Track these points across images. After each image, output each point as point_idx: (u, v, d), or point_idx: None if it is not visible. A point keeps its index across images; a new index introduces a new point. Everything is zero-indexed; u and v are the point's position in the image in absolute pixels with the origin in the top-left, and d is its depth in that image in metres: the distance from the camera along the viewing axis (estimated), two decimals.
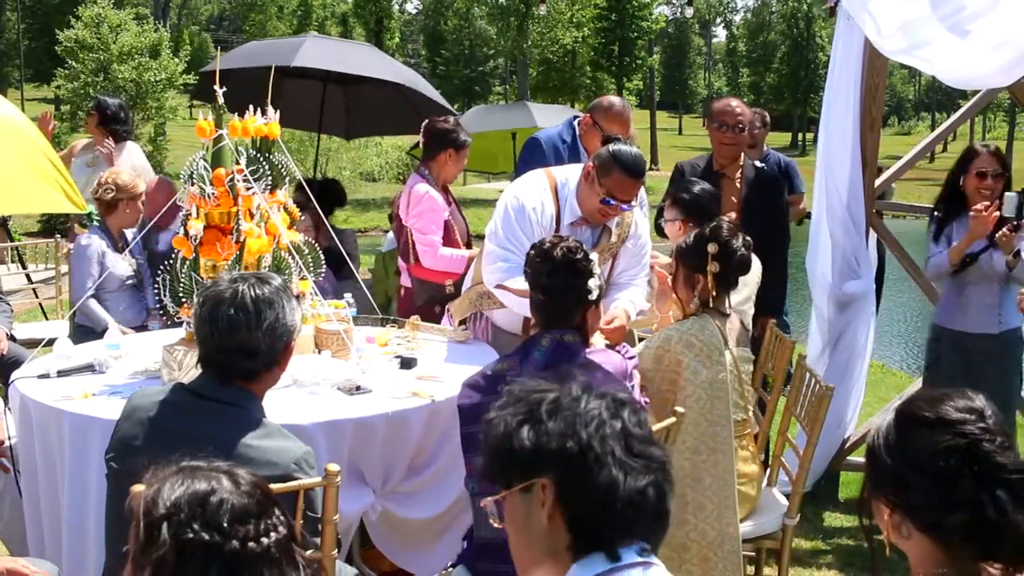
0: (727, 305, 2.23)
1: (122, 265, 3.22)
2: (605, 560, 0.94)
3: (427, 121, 3.15)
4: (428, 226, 2.97)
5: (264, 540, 0.90)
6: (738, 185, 3.07)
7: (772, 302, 3.11)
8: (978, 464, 0.96)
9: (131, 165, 4.08)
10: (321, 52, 4.42)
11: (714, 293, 2.17)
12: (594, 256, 1.91)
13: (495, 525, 1.03)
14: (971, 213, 2.72)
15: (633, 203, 2.38)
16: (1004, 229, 2.71)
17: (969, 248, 2.76)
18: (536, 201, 2.38)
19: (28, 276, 5.28)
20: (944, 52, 2.54)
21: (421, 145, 3.21)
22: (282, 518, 0.95)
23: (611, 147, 2.32)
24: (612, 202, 2.30)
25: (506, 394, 1.04)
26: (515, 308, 2.36)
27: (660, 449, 0.99)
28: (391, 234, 4.27)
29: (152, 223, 3.09)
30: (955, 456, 0.96)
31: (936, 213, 2.93)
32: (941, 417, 1.00)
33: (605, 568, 0.93)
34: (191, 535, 0.89)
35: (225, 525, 0.90)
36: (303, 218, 2.65)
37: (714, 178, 3.00)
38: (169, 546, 0.89)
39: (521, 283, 2.09)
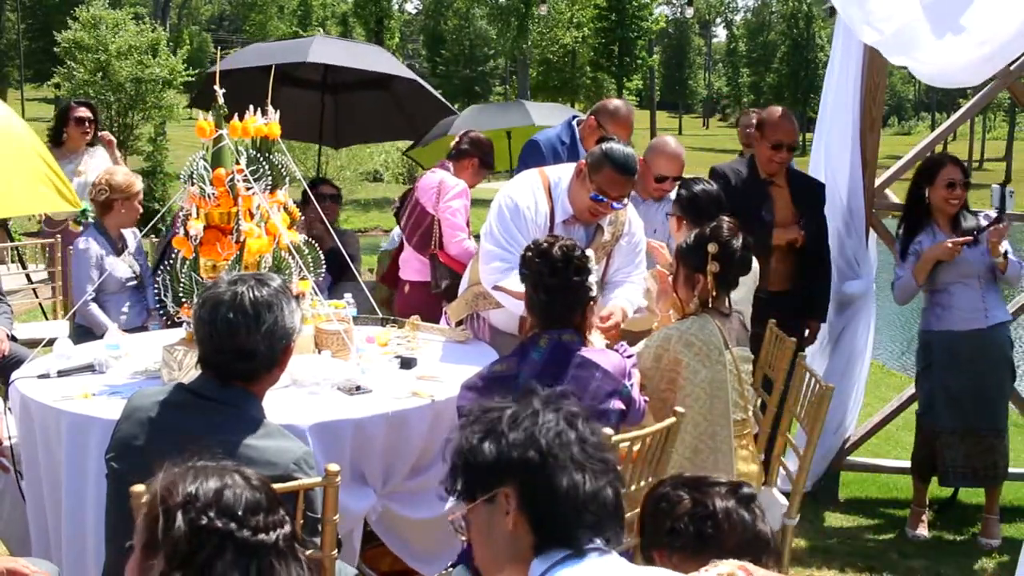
0: (727, 305, 2.23)
1: (121, 267, 3.20)
2: (567, 553, 1.02)
3: (466, 131, 3.34)
4: (461, 213, 3.05)
5: (273, 533, 0.93)
6: (787, 193, 3.01)
7: (820, 308, 3.05)
8: (687, 488, 1.29)
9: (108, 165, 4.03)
10: (332, 49, 4.46)
11: (714, 293, 2.17)
12: (590, 253, 1.91)
13: (461, 538, 1.10)
14: (948, 242, 2.77)
15: (625, 201, 2.38)
16: (988, 227, 2.75)
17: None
18: (530, 200, 2.39)
19: (28, 276, 5.28)
20: (930, 53, 2.54)
21: (452, 147, 3.32)
22: (286, 516, 0.97)
23: (603, 145, 2.34)
24: (603, 199, 2.30)
25: (466, 415, 1.12)
26: (513, 308, 2.36)
27: (612, 455, 1.10)
28: (396, 231, 4.28)
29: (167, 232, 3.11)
30: (671, 488, 1.31)
31: (900, 230, 2.95)
32: (659, 481, 1.40)
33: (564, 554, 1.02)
34: (206, 522, 0.91)
35: (240, 514, 0.92)
36: (302, 218, 2.65)
37: (763, 187, 2.97)
38: (184, 533, 0.90)
39: (518, 284, 2.09)
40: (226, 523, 0.91)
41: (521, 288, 2.00)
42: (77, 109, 4.08)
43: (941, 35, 2.42)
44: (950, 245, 2.77)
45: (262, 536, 0.92)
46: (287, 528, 0.95)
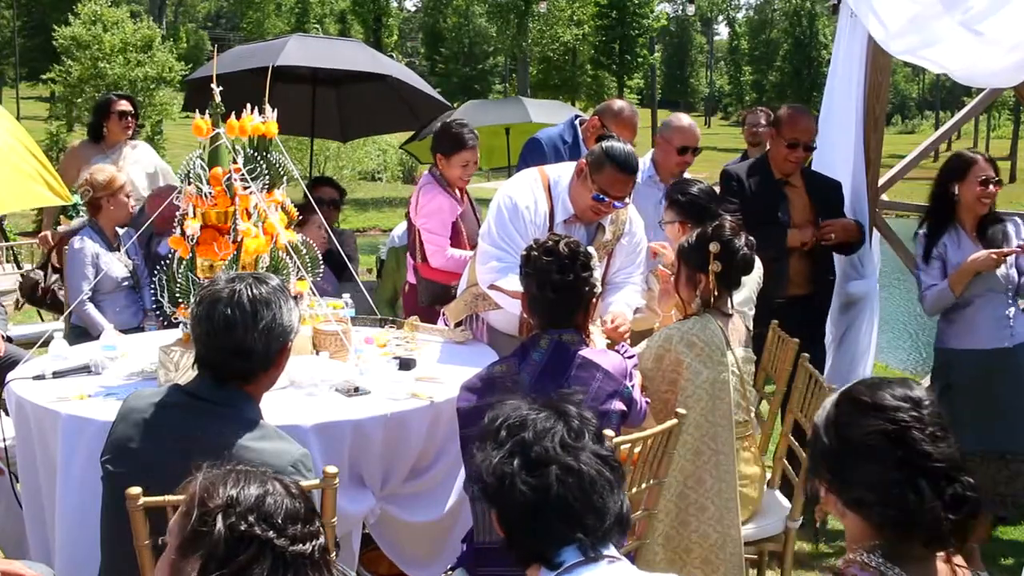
0: (729, 305, 2.21)
1: (117, 266, 3.16)
2: (547, 571, 1.05)
3: (443, 125, 3.21)
4: (436, 226, 2.99)
5: (310, 544, 0.93)
6: (804, 193, 2.94)
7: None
8: (904, 449, 1.00)
9: (154, 164, 3.91)
10: (305, 50, 4.33)
11: (715, 293, 2.15)
12: (592, 251, 1.90)
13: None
14: (992, 253, 2.56)
15: (627, 200, 2.36)
16: None
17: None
18: (529, 199, 2.37)
19: (23, 276, 5.24)
20: (954, 49, 2.52)
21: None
22: (322, 527, 0.98)
23: (603, 144, 2.32)
24: (604, 199, 2.29)
25: (492, 412, 1.20)
26: (510, 308, 2.35)
27: (564, 451, 1.11)
28: (399, 229, 4.26)
29: (146, 226, 3.05)
30: (884, 440, 1.01)
31: (922, 230, 2.73)
32: (877, 403, 1.04)
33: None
34: (245, 527, 0.91)
35: (279, 522, 0.92)
36: (299, 217, 2.62)
37: (778, 187, 2.91)
38: (223, 537, 0.90)
39: (515, 284, 2.07)
40: (265, 530, 0.91)
41: (518, 288, 1.98)
42: (118, 103, 3.90)
43: (965, 39, 2.41)
44: (995, 256, 2.57)
45: (300, 546, 0.92)
46: (322, 539, 0.95)
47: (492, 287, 2.35)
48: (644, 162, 3.15)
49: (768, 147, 3.03)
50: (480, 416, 1.73)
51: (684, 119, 3.13)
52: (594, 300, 1.91)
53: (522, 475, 1.07)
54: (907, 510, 0.99)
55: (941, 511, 0.98)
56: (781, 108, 3.04)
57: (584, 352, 1.84)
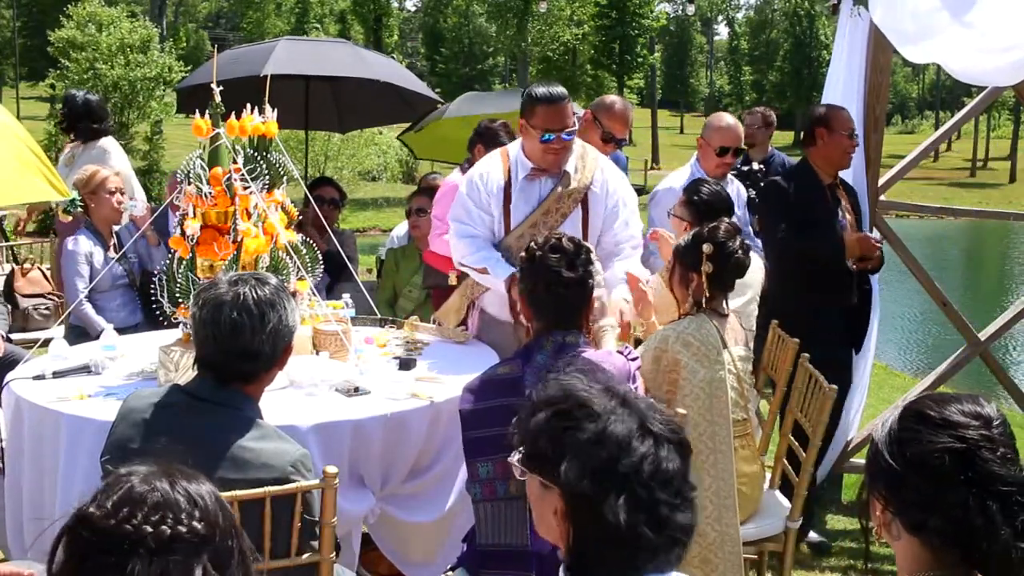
0: (724, 306, 2.21)
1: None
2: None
3: (481, 122, 3.26)
4: (440, 211, 3.02)
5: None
6: (847, 198, 2.88)
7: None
8: (972, 471, 0.93)
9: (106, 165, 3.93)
10: (293, 58, 4.33)
11: (707, 294, 2.15)
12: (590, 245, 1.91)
13: (518, 477, 1.02)
14: None
15: (574, 126, 2.34)
16: None
17: None
18: (482, 169, 2.44)
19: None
20: (954, 48, 2.52)
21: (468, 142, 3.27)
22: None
23: (526, 90, 2.37)
24: (552, 136, 2.30)
25: (553, 379, 1.03)
26: (482, 281, 2.40)
27: (689, 509, 0.96)
28: (398, 229, 4.26)
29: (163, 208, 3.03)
30: (950, 459, 0.94)
31: None
32: (945, 418, 0.97)
33: None
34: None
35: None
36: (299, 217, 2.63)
37: (831, 191, 2.81)
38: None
39: (478, 261, 2.23)
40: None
41: (479, 264, 2.10)
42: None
43: (961, 37, 2.40)
44: None
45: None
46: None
47: (462, 264, 2.41)
48: (687, 167, 3.13)
49: (817, 149, 2.84)
50: (481, 419, 1.74)
51: (725, 119, 3.05)
52: (594, 298, 1.91)
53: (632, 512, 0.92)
54: (974, 536, 0.92)
55: (1012, 539, 0.92)
56: (818, 109, 2.91)
57: (587, 354, 1.83)
